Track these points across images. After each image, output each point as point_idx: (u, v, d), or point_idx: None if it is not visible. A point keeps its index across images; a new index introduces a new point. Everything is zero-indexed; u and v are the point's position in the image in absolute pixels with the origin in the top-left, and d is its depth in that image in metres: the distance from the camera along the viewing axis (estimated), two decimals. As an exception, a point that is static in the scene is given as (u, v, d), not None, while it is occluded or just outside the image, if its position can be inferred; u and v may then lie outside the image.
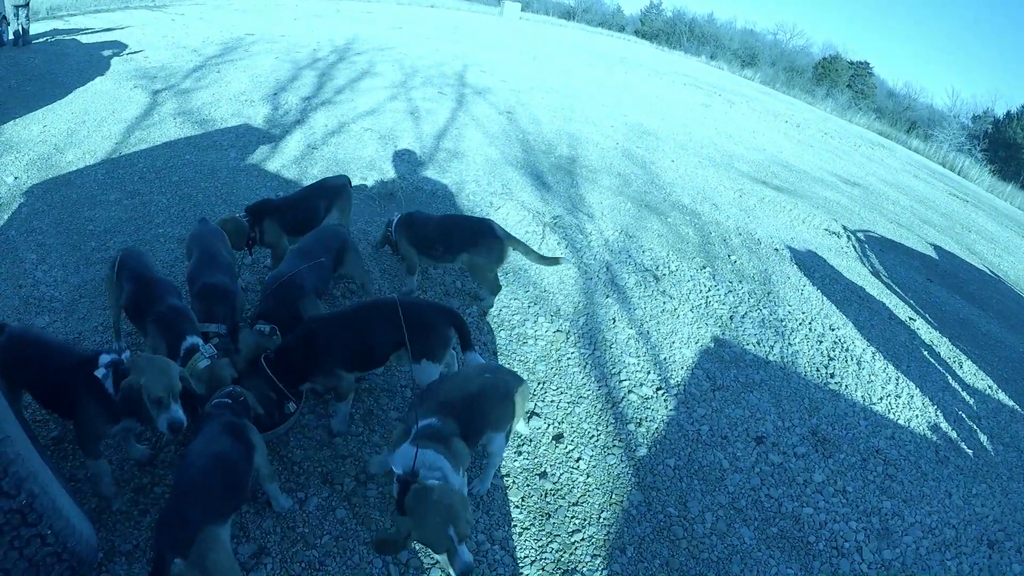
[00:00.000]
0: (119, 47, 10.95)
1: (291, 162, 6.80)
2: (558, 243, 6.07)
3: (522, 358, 4.69)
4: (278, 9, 19.32)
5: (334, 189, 5.07)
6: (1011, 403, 5.91)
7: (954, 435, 5.13)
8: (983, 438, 5.25)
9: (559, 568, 3.30)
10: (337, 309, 4.07)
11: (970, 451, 5.04)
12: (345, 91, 10.11)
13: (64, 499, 2.43)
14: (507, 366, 4.48)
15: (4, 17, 10.25)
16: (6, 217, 5.30)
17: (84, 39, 11.26)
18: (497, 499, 3.59)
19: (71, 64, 9.40)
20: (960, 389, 5.78)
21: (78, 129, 7.12)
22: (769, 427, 4.61)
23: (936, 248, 9.20)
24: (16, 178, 5.93)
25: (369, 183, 6.58)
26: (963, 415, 5.42)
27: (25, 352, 2.92)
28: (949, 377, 5.88)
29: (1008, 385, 6.19)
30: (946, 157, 27.20)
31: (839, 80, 50.18)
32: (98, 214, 5.42)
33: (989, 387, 6.02)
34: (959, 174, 23.53)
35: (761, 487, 4.18)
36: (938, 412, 5.32)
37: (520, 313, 5.13)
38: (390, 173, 6.79)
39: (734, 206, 7.84)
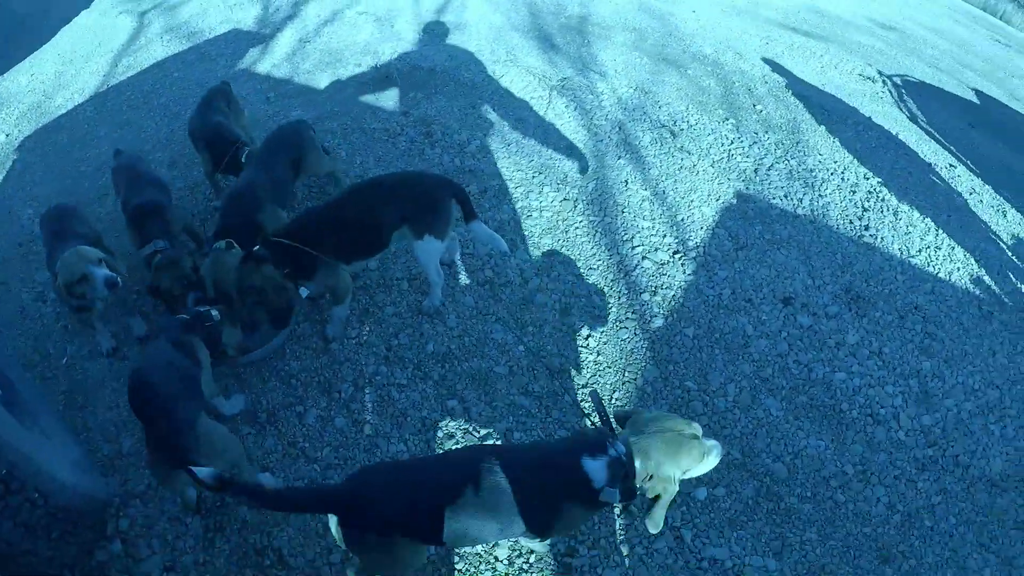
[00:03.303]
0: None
1: (283, 60, 6.34)
2: (566, 106, 5.56)
3: (527, 232, 4.35)
4: None
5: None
6: (1065, 250, 5.48)
7: (998, 289, 4.76)
8: (1034, 286, 4.88)
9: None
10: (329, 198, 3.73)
11: (1015, 305, 4.67)
12: (338, -24, 9.28)
13: (52, 458, 2.46)
14: (510, 241, 4.19)
15: None
16: (1, 176, 5.14)
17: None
18: (500, 389, 3.44)
19: (53, 2, 8.75)
20: (1004, 240, 5.34)
21: (65, 70, 6.74)
22: (798, 286, 4.26)
23: (977, 93, 8.50)
24: (7, 135, 5.71)
25: (364, 69, 6.08)
26: (1007, 268, 5.02)
27: None
28: (992, 227, 5.44)
29: (1059, 232, 5.74)
30: (987, 2, 25.55)
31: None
32: (89, 153, 5.15)
33: (1038, 236, 5.57)
34: (1001, 19, 22.10)
35: (789, 353, 3.90)
36: (981, 264, 4.91)
37: (524, 184, 4.73)
38: (386, 55, 6.25)
39: (760, 54, 7.18)
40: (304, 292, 3.27)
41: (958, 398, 3.92)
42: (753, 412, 3.58)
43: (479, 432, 3.29)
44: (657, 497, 2.19)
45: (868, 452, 3.54)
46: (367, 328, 3.68)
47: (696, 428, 2.21)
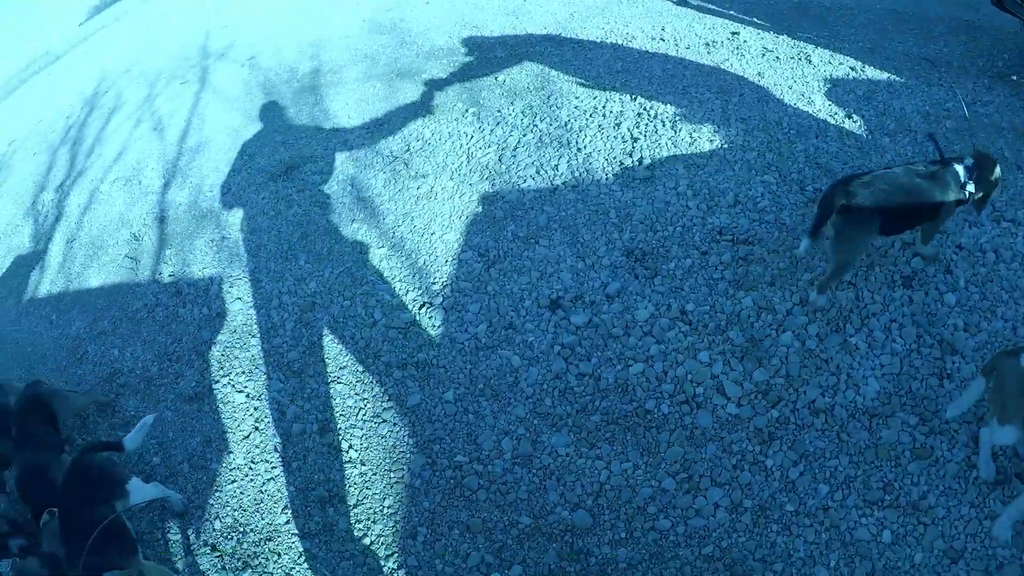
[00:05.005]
0: None
1: (56, 273, 5.73)
2: (298, 191, 4.86)
3: (277, 358, 3.77)
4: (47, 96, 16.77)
5: None
6: (884, 75, 4.75)
7: (822, 154, 4.06)
8: (860, 137, 4.18)
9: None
10: None
11: (847, 168, 3.98)
12: (95, 148, 8.45)
13: None
14: (250, 386, 3.73)
15: None
16: None
17: None
18: (283, 541, 3.07)
19: None
20: (816, 89, 4.65)
21: None
22: (566, 279, 3.57)
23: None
24: None
25: (121, 245, 5.48)
26: (825, 124, 4.31)
27: None
28: (798, 82, 4.73)
29: (874, 55, 4.99)
30: None
31: None
32: None
33: (852, 68, 4.86)
34: None
35: (568, 369, 3.20)
36: (791, 137, 4.21)
37: (265, 304, 4.12)
38: (136, 222, 5.59)
39: (499, 13, 6.44)
40: None
41: (798, 324, 3.20)
42: (537, 461, 2.93)
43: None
44: (984, 196, 3.21)
45: (691, 450, 2.87)
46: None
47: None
